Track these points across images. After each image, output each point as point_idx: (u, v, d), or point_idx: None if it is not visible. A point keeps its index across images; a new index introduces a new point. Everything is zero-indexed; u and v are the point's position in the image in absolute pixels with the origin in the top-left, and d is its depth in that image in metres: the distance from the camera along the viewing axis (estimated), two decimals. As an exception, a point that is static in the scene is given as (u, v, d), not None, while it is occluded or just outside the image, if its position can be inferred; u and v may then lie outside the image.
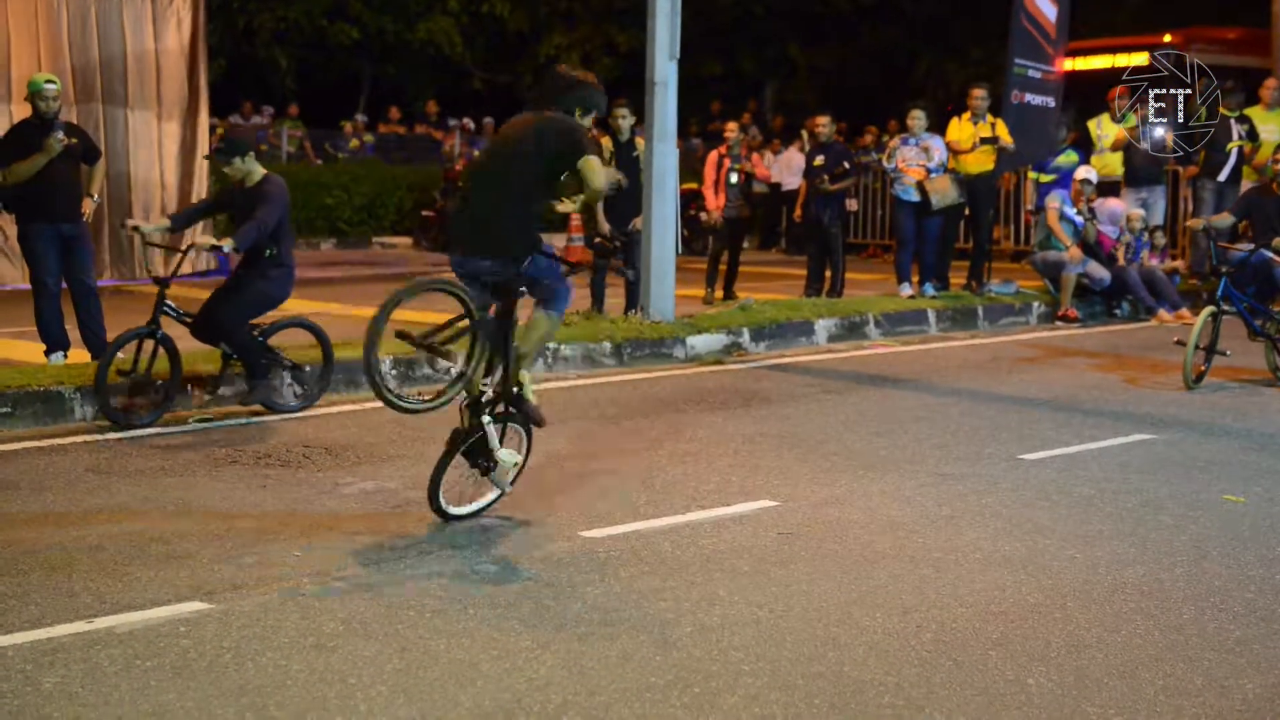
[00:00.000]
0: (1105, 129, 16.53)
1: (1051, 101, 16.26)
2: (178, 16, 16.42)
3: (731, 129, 16.12)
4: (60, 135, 10.15)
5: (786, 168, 22.31)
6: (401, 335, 6.56)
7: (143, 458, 8.06)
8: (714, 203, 15.43)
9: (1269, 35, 19.56)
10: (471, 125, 26.82)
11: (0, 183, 10.25)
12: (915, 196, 14.61)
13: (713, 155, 15.78)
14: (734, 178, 15.54)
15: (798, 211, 16.37)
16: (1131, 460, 8.29)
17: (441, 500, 6.71)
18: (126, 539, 6.40)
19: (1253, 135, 16.47)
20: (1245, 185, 16.39)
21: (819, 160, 15.27)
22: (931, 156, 14.58)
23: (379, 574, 5.97)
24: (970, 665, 5.01)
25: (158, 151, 16.25)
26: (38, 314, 10.30)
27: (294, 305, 14.55)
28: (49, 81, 10.41)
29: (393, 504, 7.12)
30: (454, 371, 6.60)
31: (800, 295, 14.95)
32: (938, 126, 15.19)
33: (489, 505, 6.91)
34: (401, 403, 6.53)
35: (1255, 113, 16.64)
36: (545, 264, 6.78)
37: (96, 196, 10.68)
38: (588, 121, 7.05)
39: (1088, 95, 18.27)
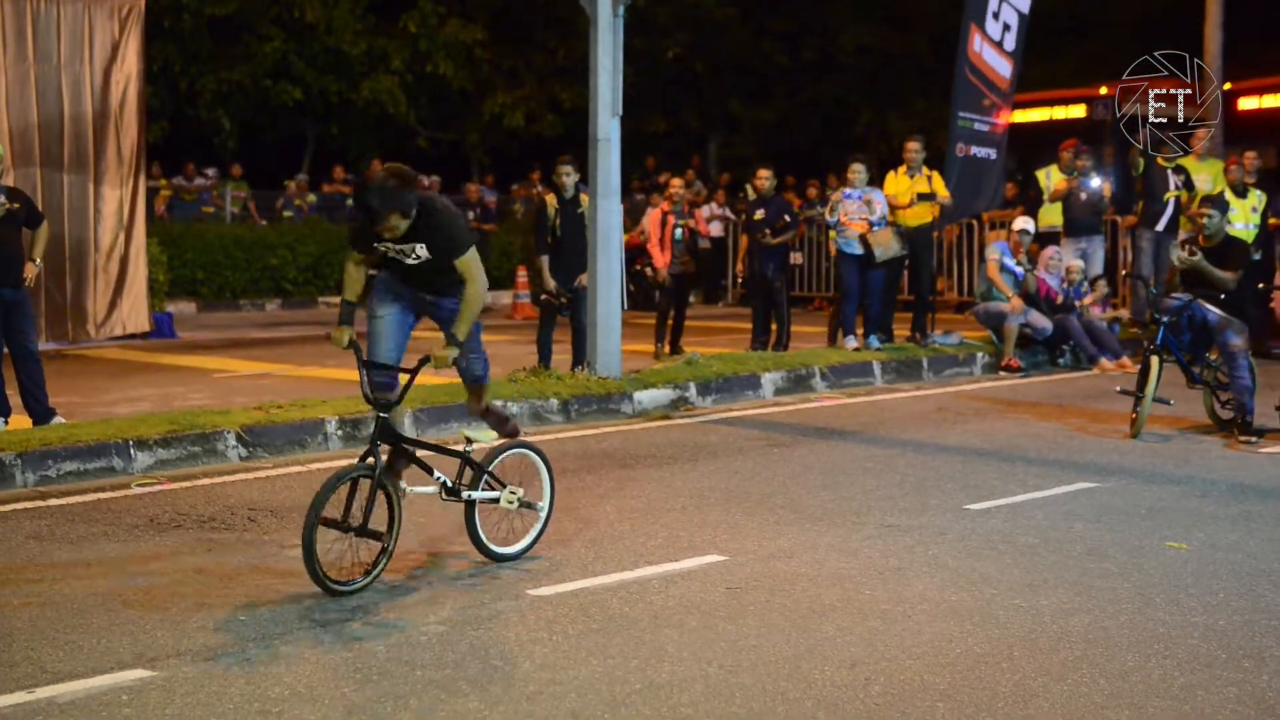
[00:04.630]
0: (1054, 179, 16.75)
1: (994, 154, 16.49)
2: (116, 80, 16.38)
3: (675, 185, 16.21)
4: (2, 200, 10.10)
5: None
6: (326, 524, 6.53)
7: (85, 523, 7.98)
8: (660, 260, 15.47)
9: (1200, 87, 19.89)
10: (424, 182, 26.88)
11: None
12: (858, 249, 14.72)
13: (655, 213, 15.79)
14: (679, 234, 15.61)
15: (739, 265, 16.43)
16: (1075, 508, 8.36)
17: (491, 548, 7.14)
18: (68, 605, 6.32)
19: (1189, 185, 16.74)
20: (1181, 235, 16.67)
21: (760, 214, 15.36)
22: (874, 209, 14.70)
23: (325, 636, 5.93)
24: (918, 717, 5.02)
25: (93, 215, 16.17)
26: None
27: (243, 366, 14.56)
28: None
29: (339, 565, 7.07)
30: (381, 547, 6.76)
31: (746, 349, 15.01)
32: (879, 180, 15.35)
33: (540, 532, 7.40)
34: (340, 588, 6.50)
35: (1189, 163, 16.91)
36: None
37: (39, 261, 10.61)
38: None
39: (1027, 147, 18.56)
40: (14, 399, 10.34)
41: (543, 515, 7.43)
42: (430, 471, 7.06)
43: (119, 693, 5.22)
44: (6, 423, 10.22)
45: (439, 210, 7.02)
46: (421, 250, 6.95)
